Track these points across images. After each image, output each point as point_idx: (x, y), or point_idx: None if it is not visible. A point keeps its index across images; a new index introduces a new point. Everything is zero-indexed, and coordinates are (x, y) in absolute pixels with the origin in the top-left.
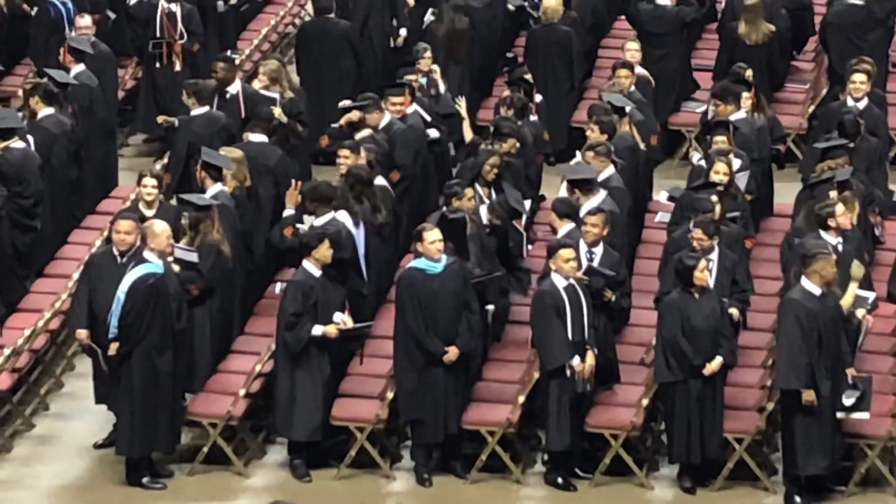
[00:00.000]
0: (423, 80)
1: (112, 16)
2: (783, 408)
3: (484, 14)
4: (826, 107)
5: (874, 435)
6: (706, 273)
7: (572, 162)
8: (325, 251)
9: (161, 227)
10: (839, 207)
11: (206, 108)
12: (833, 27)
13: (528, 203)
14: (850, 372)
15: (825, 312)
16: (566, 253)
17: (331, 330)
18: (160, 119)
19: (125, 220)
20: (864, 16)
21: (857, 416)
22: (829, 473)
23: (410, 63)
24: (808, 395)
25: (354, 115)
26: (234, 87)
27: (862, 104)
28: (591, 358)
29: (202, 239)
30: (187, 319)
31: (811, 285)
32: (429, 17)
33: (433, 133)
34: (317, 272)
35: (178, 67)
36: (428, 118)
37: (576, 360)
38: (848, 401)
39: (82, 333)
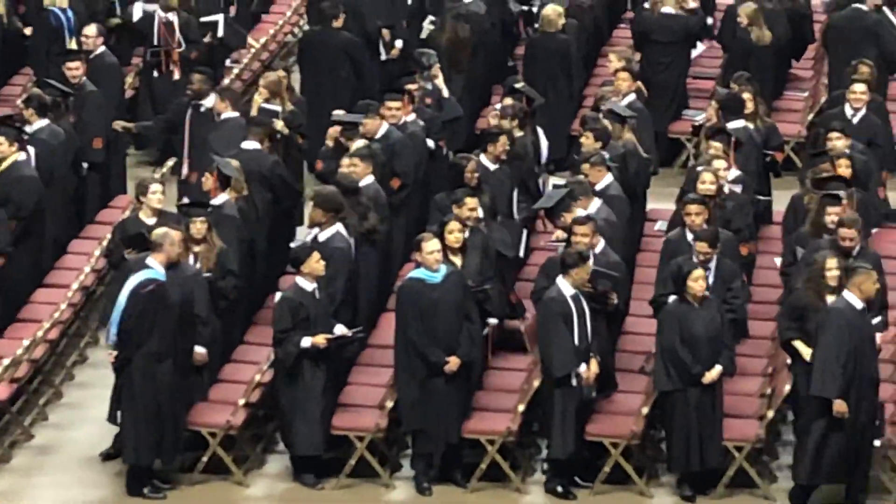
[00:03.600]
0: (429, 86)
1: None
2: (801, 414)
3: (485, 22)
4: (825, 115)
5: None
6: (701, 283)
7: (549, 188)
8: (314, 264)
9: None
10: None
11: (236, 114)
12: (833, 30)
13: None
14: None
15: (864, 329)
16: (587, 266)
17: (319, 340)
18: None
19: (174, 231)
20: (869, 21)
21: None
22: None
23: (412, 72)
24: (841, 407)
25: (334, 131)
26: (209, 101)
27: (861, 114)
28: (594, 365)
29: (213, 250)
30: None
31: (854, 298)
32: (427, 25)
33: (430, 143)
34: (309, 286)
35: (176, 76)
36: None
37: (582, 368)
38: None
39: None
